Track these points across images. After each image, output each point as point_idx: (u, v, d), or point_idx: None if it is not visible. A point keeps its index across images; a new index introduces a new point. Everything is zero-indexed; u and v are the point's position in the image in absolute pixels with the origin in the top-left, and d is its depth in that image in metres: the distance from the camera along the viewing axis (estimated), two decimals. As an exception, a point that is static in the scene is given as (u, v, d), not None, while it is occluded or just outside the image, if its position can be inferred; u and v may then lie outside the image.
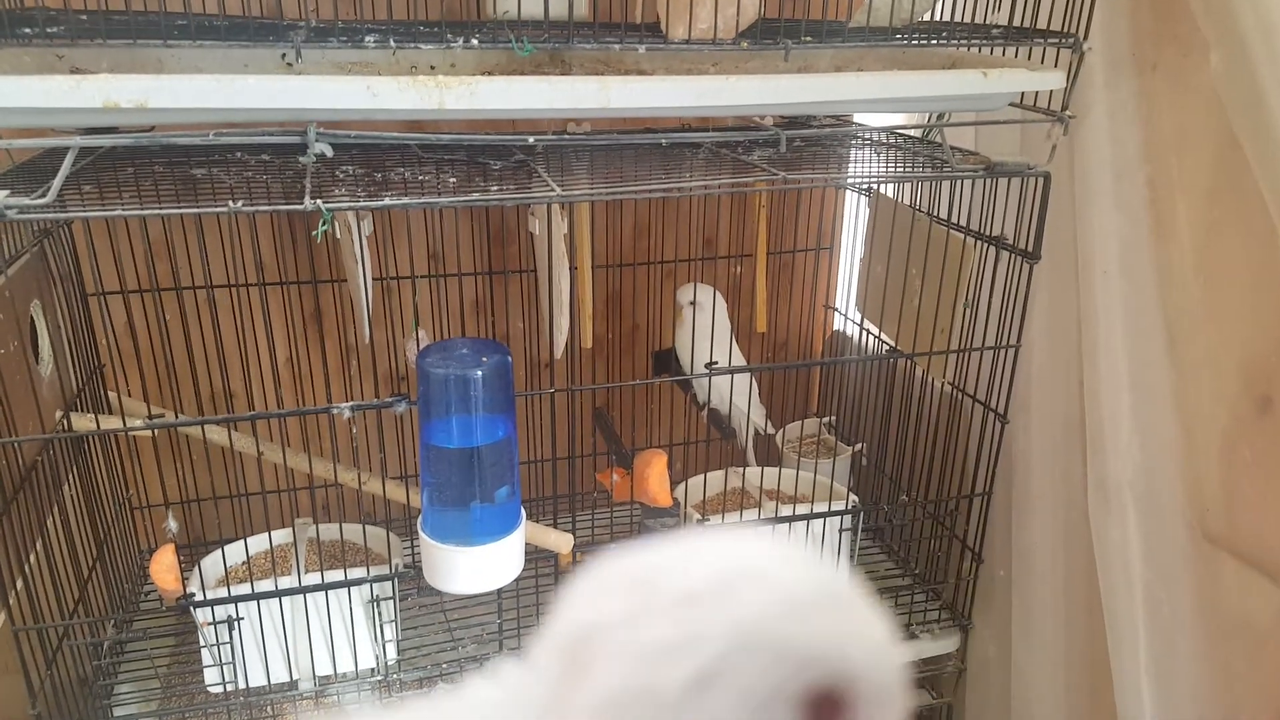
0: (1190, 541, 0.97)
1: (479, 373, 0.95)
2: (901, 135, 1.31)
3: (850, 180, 1.42)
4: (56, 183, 0.84)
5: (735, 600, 0.27)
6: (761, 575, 0.28)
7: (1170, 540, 0.99)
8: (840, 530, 1.29)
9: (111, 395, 1.31)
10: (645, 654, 0.26)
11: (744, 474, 1.42)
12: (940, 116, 1.15)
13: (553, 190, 0.92)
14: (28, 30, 0.88)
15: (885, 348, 1.41)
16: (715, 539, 0.29)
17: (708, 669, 0.26)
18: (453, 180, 0.99)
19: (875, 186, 1.43)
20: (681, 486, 1.37)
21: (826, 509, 1.27)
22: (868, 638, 0.28)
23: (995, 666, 1.32)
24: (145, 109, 0.79)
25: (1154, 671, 1.01)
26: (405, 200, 0.87)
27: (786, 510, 1.27)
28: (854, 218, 1.56)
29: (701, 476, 1.40)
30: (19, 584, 1.00)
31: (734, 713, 0.26)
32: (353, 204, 0.85)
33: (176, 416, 1.27)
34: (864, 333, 1.51)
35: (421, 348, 1.03)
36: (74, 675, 1.13)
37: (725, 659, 0.26)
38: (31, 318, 1.11)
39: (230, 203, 0.82)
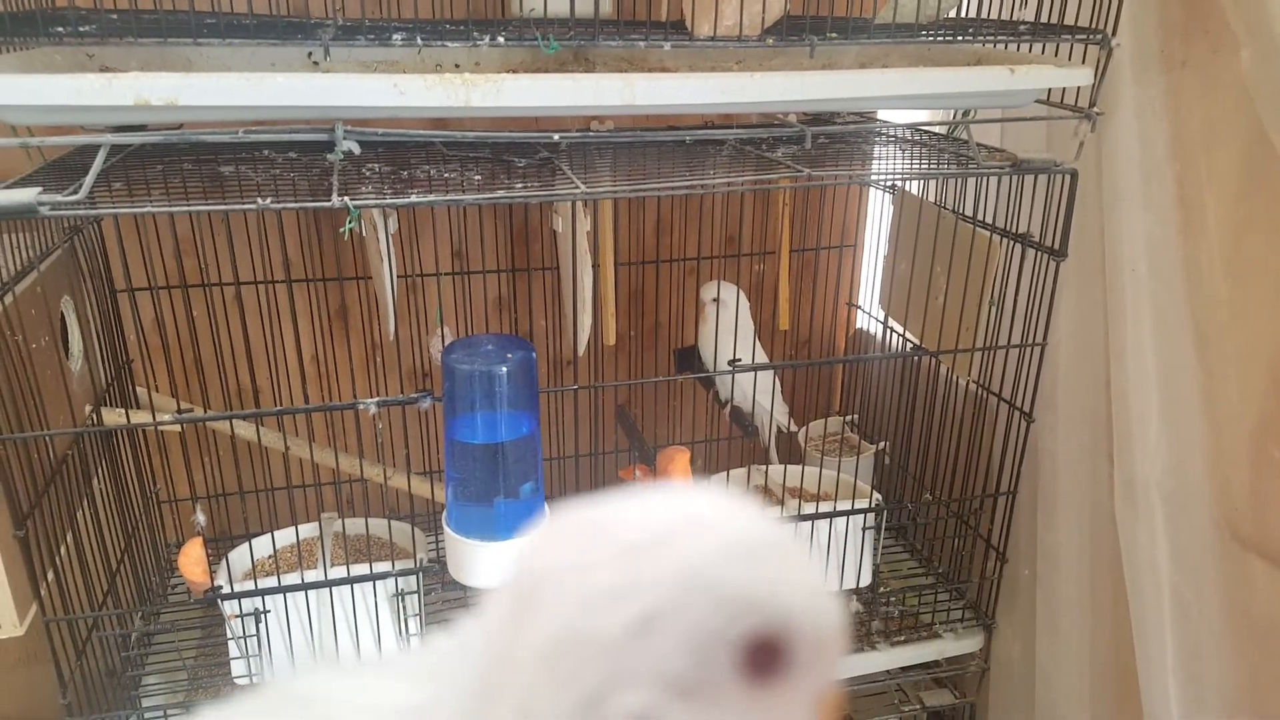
0: (1218, 542, 0.96)
1: (504, 369, 0.95)
2: (927, 132, 1.30)
3: (875, 177, 1.42)
4: (89, 179, 0.85)
5: (678, 548, 0.28)
6: (704, 525, 0.29)
7: (1198, 541, 0.98)
8: (863, 529, 1.28)
9: (140, 391, 1.32)
10: (589, 598, 0.27)
11: (766, 472, 1.42)
12: (966, 113, 1.14)
13: (577, 187, 0.93)
14: (60, 29, 0.89)
15: (909, 345, 1.41)
16: (664, 494, 0.30)
17: (649, 612, 0.27)
18: (477, 178, 0.99)
19: (900, 184, 1.43)
20: (704, 484, 1.37)
21: (850, 507, 1.27)
22: (806, 587, 0.29)
23: (1019, 666, 1.31)
24: (175, 106, 0.80)
25: (1181, 673, 1.00)
26: (431, 198, 0.88)
27: (810, 509, 1.27)
28: (878, 215, 1.55)
29: (724, 474, 1.40)
30: (50, 575, 1.02)
31: (675, 656, 0.27)
32: (379, 201, 0.86)
33: (205, 412, 1.29)
34: (887, 330, 1.51)
35: (446, 344, 1.04)
36: (103, 666, 1.14)
37: (666, 602, 0.27)
38: (62, 314, 1.13)
39: (259, 200, 0.83)
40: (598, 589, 0.27)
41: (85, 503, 1.13)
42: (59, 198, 0.84)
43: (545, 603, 0.28)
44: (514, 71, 1.09)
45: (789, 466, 1.42)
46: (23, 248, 1.03)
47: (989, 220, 1.23)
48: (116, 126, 0.90)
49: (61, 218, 1.11)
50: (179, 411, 1.04)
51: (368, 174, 1.01)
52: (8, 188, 0.85)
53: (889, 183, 1.47)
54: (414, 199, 0.86)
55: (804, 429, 1.63)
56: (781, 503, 1.32)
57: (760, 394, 1.40)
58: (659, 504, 0.30)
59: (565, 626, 0.27)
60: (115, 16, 0.95)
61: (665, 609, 0.27)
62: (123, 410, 1.19)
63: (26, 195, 0.83)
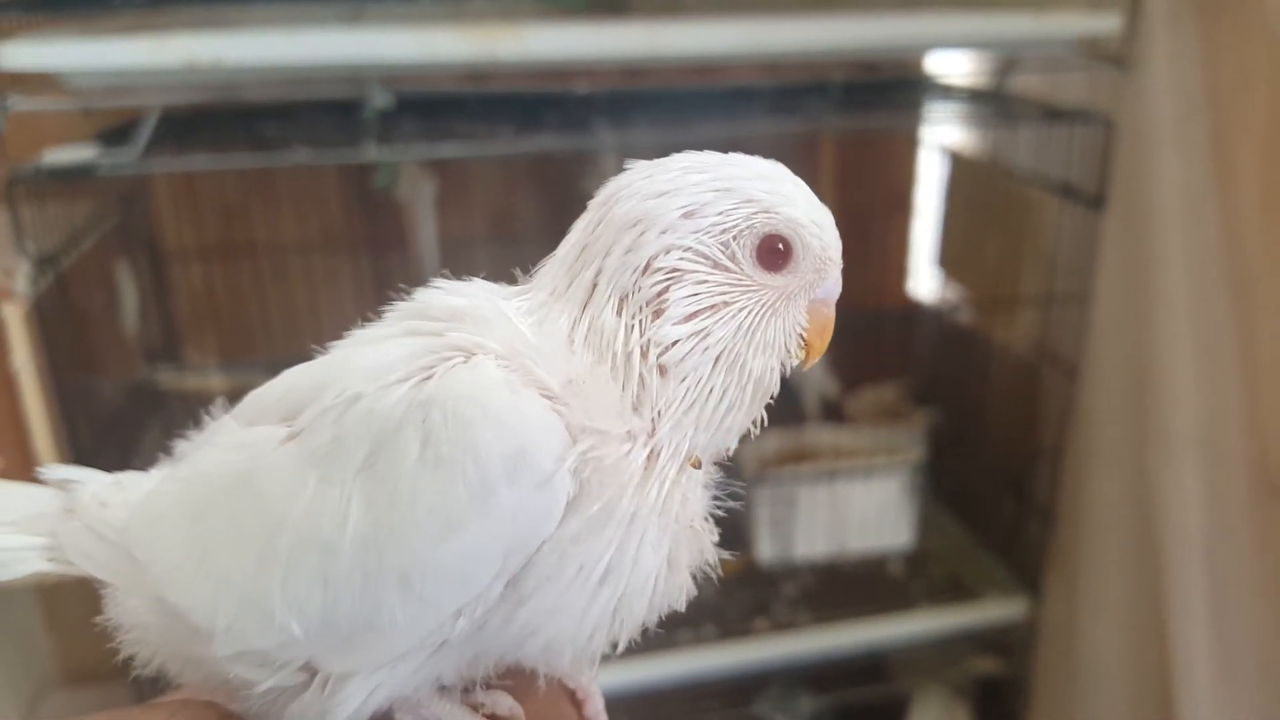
0: (1251, 490, 1.00)
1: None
2: (965, 88, 1.35)
3: (914, 125, 1.47)
4: (142, 140, 0.95)
5: (719, 170, 0.42)
6: (742, 161, 0.44)
7: (1231, 489, 1.03)
8: (903, 488, 1.34)
9: (189, 354, 1.44)
10: (651, 192, 0.42)
11: (809, 432, 1.48)
12: (1004, 66, 1.19)
13: (609, 140, 1.00)
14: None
15: (955, 306, 1.46)
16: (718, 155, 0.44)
17: (694, 204, 0.41)
18: (509, 133, 1.07)
19: (947, 140, 1.48)
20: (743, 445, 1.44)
21: (890, 465, 1.33)
22: (813, 210, 0.43)
23: (1065, 632, 1.35)
24: (221, 68, 0.90)
25: (1211, 624, 1.04)
26: (460, 149, 0.96)
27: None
28: (929, 177, 1.60)
29: (765, 435, 1.46)
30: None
31: (709, 236, 0.41)
32: (409, 152, 0.95)
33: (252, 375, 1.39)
34: (938, 292, 1.56)
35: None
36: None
37: (706, 199, 0.41)
38: (118, 278, 1.24)
39: (297, 153, 0.93)
40: (659, 188, 0.42)
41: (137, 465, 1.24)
42: (115, 158, 0.94)
43: (621, 198, 0.42)
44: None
45: (831, 428, 1.48)
46: (81, 216, 1.14)
47: (1030, 174, 1.27)
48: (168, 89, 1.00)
49: (117, 182, 1.23)
50: (225, 363, 1.14)
51: (403, 133, 1.10)
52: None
53: (923, 133, 1.51)
54: (445, 149, 0.95)
55: (851, 395, 1.68)
56: (819, 461, 1.38)
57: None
58: (708, 154, 0.44)
59: (635, 209, 0.42)
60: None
61: (706, 200, 0.41)
62: (172, 369, 1.30)
63: (86, 155, 0.94)
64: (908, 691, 1.49)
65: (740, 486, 0.45)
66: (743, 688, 1.41)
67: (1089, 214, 1.20)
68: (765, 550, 1.36)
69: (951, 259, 1.51)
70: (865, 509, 1.33)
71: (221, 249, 1.46)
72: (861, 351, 1.75)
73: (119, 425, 1.19)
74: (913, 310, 1.70)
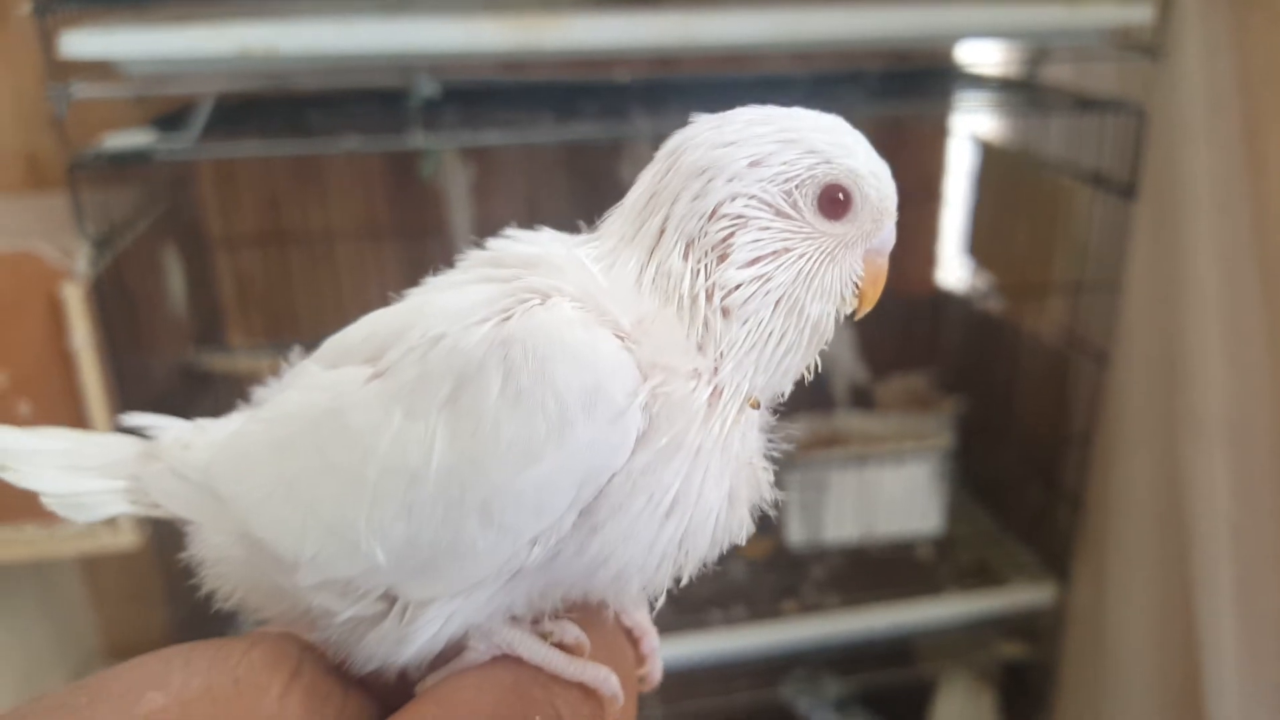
0: (1278, 471, 1.01)
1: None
2: (999, 77, 1.37)
3: (945, 114, 1.48)
4: (198, 126, 0.99)
5: (782, 122, 0.44)
6: (803, 113, 0.45)
7: (1260, 475, 1.04)
8: (932, 473, 1.36)
9: (234, 337, 1.48)
10: (718, 142, 0.43)
11: (839, 418, 1.50)
12: (1036, 56, 1.21)
13: (643, 128, 1.03)
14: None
15: (985, 294, 1.47)
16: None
17: (760, 153, 0.43)
18: (549, 121, 1.10)
19: (977, 128, 1.49)
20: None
21: (919, 450, 1.35)
22: (871, 162, 0.45)
23: (1092, 618, 1.37)
24: (274, 56, 0.93)
25: (1238, 604, 1.06)
26: (505, 137, 0.99)
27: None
28: (959, 166, 1.61)
29: (796, 420, 1.49)
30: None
31: (774, 185, 0.43)
32: (455, 140, 0.98)
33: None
34: (967, 280, 1.57)
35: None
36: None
37: (772, 147, 0.43)
38: (165, 262, 1.28)
39: (347, 140, 0.96)
40: (726, 138, 0.43)
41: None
42: (172, 143, 0.98)
43: (689, 147, 0.44)
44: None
45: (860, 414, 1.50)
46: (132, 201, 1.18)
47: (1061, 163, 1.29)
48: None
49: (167, 168, 1.27)
50: (272, 342, 1.17)
51: (447, 121, 1.13)
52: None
53: (953, 122, 1.53)
54: (488, 137, 0.98)
55: (881, 382, 1.70)
56: (846, 445, 1.40)
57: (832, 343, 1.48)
58: (772, 108, 0.45)
59: (703, 157, 0.43)
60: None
61: (770, 151, 0.43)
62: (218, 351, 1.34)
63: (144, 140, 0.98)
64: (934, 676, 1.51)
65: (783, 441, 0.46)
66: (770, 669, 1.44)
67: (1120, 203, 1.21)
68: (795, 533, 1.38)
69: (981, 247, 1.53)
70: (894, 494, 1.36)
71: (264, 234, 1.50)
72: (891, 339, 1.76)
73: (168, 404, 1.22)
74: (942, 298, 1.72)
